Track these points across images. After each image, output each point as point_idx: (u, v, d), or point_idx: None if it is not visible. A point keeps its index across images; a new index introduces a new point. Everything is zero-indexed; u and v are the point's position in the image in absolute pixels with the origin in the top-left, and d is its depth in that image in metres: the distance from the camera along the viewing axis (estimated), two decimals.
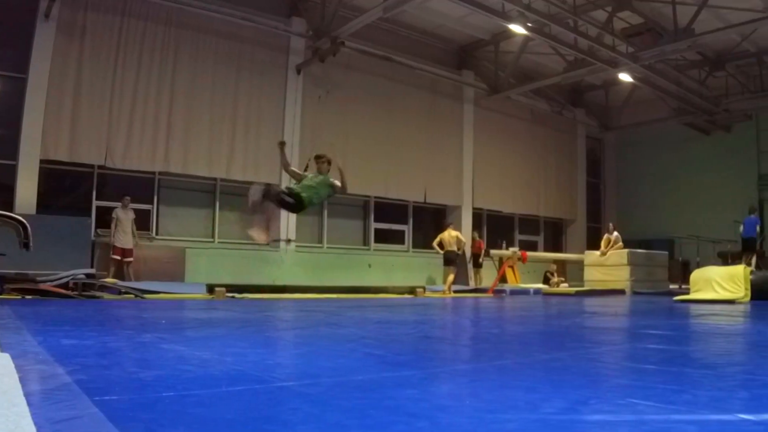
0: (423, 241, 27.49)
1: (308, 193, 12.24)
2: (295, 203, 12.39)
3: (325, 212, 23.99)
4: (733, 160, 32.18)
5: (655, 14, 23.29)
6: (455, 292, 22.25)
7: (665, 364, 5.19)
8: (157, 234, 20.40)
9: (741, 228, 23.49)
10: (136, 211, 18.98)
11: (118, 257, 18.25)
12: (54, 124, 18.30)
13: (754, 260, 22.44)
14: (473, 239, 26.72)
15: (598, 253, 25.16)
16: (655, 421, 2.99)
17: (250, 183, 21.89)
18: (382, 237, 26.12)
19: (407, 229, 27.65)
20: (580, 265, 26.71)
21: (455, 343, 7.19)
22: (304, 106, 23.41)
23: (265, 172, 21.67)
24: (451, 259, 22.70)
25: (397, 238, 27.29)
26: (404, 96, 26.35)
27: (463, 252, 24.15)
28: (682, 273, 26.68)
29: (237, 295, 16.70)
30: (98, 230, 19.02)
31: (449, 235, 22.70)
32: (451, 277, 22.43)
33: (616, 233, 24.67)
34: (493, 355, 6.01)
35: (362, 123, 24.80)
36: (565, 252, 32.33)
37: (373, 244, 26.39)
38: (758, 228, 23.13)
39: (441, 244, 23.58)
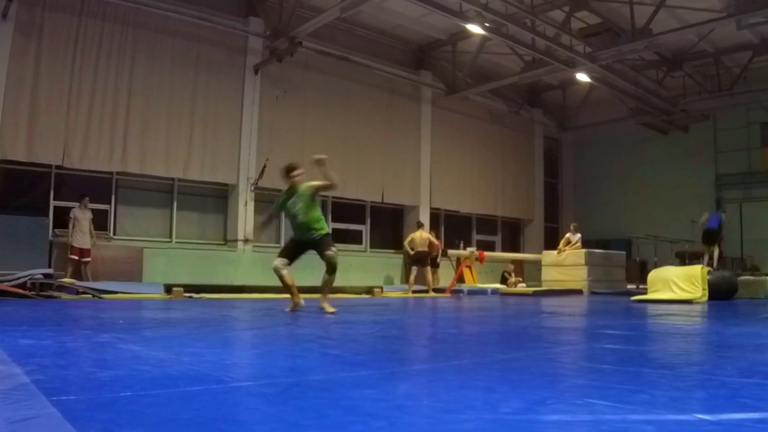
0: (380, 241, 28.82)
1: (296, 223, 11.97)
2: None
3: (283, 212, 23.85)
4: (690, 160, 33.14)
5: (612, 14, 23.93)
6: (414, 292, 23.04)
7: (623, 364, 5.31)
8: (114, 234, 21.13)
9: (704, 217, 23.61)
10: (93, 211, 19.63)
11: (76, 257, 18.68)
12: (11, 123, 18.96)
13: (716, 253, 22.58)
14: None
15: (555, 252, 25.15)
16: (613, 421, 3.05)
17: (208, 183, 21.95)
18: (340, 237, 26.33)
19: (365, 229, 28.72)
20: (537, 265, 27.55)
21: (413, 343, 7.42)
22: (261, 107, 24.19)
23: (222, 172, 22.62)
24: (421, 260, 22.72)
25: (354, 238, 28.28)
26: (362, 96, 27.26)
27: (439, 253, 24.10)
28: (639, 273, 27.29)
29: (195, 295, 17.09)
30: (56, 230, 19.65)
31: (421, 236, 23.51)
32: (431, 277, 22.42)
33: (579, 235, 24.61)
34: (451, 355, 6.13)
35: (320, 123, 25.66)
36: (523, 252, 33.17)
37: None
38: (719, 225, 23.26)
39: (411, 244, 24.11)
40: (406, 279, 26.04)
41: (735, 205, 32.04)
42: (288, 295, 11.48)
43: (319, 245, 11.56)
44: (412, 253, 24.19)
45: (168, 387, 3.92)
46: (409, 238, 24.17)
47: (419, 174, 29.42)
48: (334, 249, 11.54)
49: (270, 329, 8.59)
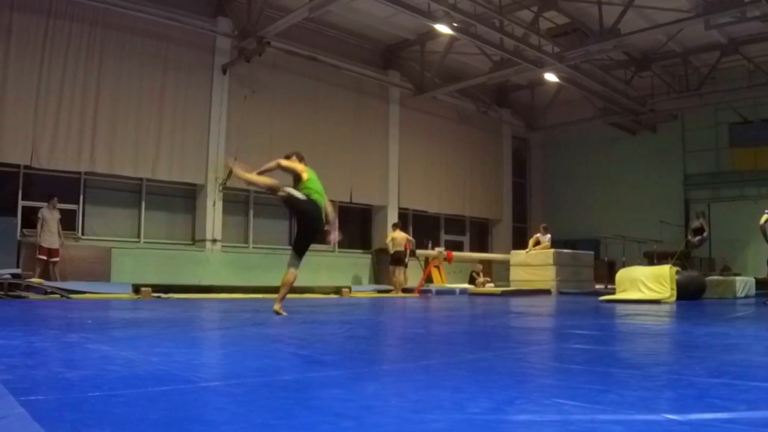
0: (349, 242, 29.44)
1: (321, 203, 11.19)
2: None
3: (251, 212, 24.76)
4: (658, 160, 33.80)
5: (580, 14, 24.49)
6: (378, 292, 22.37)
7: (591, 364, 5.40)
8: (83, 234, 21.78)
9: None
10: (62, 211, 20.20)
11: (44, 257, 19.11)
12: None
13: None
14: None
15: (523, 252, 25.21)
16: (581, 421, 3.10)
17: (176, 183, 21.89)
18: None
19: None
20: (505, 265, 28.17)
21: (381, 343, 7.62)
22: (229, 106, 24.83)
23: (190, 172, 22.72)
24: (400, 259, 22.81)
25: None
26: (330, 96, 28.03)
27: (407, 253, 24.18)
28: (607, 273, 27.50)
29: (163, 295, 17.47)
30: (24, 230, 19.99)
31: (400, 236, 23.01)
32: (402, 277, 22.62)
33: (549, 235, 24.91)
34: (419, 355, 6.29)
35: (288, 123, 26.35)
36: (491, 252, 33.45)
37: None
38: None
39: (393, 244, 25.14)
40: (375, 279, 26.18)
41: (703, 205, 32.30)
42: (276, 296, 11.27)
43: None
44: (392, 252, 23.98)
45: (136, 387, 3.99)
46: (389, 238, 24.29)
47: (387, 174, 30.27)
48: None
49: (238, 329, 8.83)
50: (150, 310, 12.35)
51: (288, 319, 10.29)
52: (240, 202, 25.64)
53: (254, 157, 23.49)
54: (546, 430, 3.01)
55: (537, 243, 26.45)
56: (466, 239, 35.10)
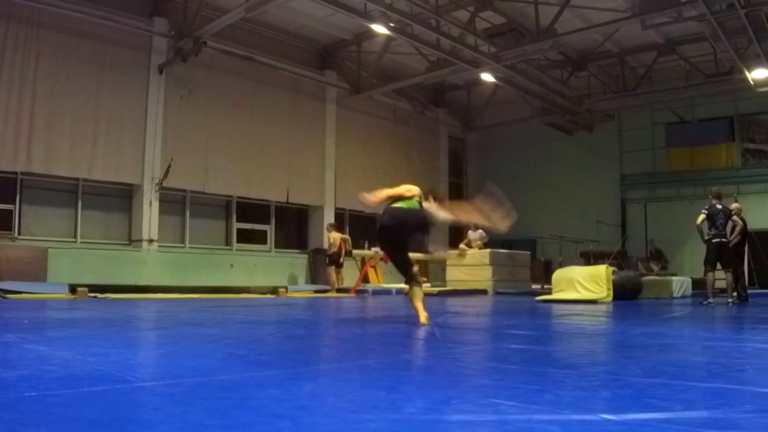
0: (285, 241, 31.02)
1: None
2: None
3: (188, 212, 25.15)
4: (595, 160, 34.84)
5: (517, 14, 25.53)
6: (315, 292, 22.60)
7: (528, 365, 5.57)
8: (19, 234, 22.74)
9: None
10: None
11: None
12: None
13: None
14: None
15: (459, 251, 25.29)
16: (518, 421, 3.22)
17: (113, 183, 21.82)
18: (245, 237, 29.10)
19: (269, 229, 30.72)
20: (442, 264, 27.93)
21: (318, 343, 7.86)
22: (166, 106, 25.85)
23: (127, 172, 23.82)
24: (337, 260, 23.05)
25: (259, 238, 30.14)
26: (267, 96, 29.27)
27: (349, 252, 24.39)
28: (544, 273, 28.47)
29: (99, 295, 17.75)
30: None
31: (335, 236, 23.67)
32: (334, 277, 22.86)
33: (479, 232, 24.94)
34: (356, 355, 6.49)
35: (225, 123, 27.58)
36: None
37: (235, 244, 29.00)
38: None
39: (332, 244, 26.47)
40: (311, 279, 26.35)
41: (640, 205, 33.03)
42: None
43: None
44: (330, 253, 24.31)
45: (73, 387, 4.05)
46: (331, 239, 24.39)
47: (324, 174, 31.79)
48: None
49: (175, 329, 9.08)
50: (86, 310, 12.65)
51: (225, 319, 10.35)
52: (177, 202, 26.11)
53: (190, 157, 23.71)
54: (482, 430, 3.10)
55: (469, 242, 26.51)
56: None
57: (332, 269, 26.00)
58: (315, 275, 29.88)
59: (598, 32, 26.84)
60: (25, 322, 9.65)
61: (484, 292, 25.64)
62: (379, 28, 24.35)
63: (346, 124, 32.25)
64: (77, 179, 24.01)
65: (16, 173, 22.56)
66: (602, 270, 19.03)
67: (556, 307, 16.16)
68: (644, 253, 32.79)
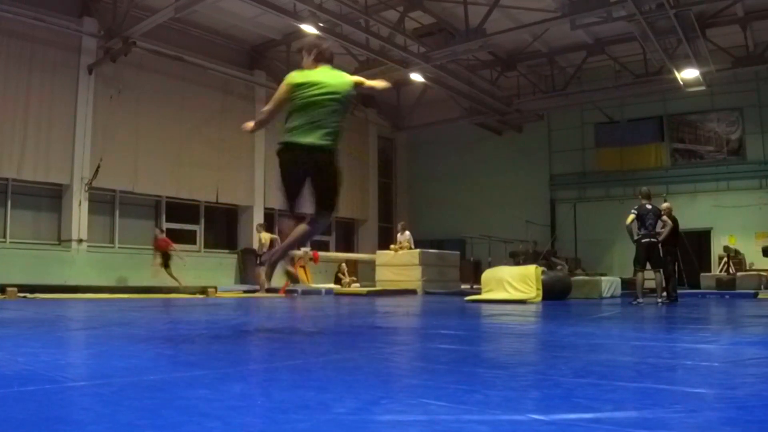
0: (214, 242, 31.98)
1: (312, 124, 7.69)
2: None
3: (117, 212, 25.22)
4: (524, 160, 35.95)
5: (446, 14, 26.25)
6: (244, 292, 22.81)
7: (457, 364, 5.64)
8: None
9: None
10: None
11: None
12: None
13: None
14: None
15: (390, 252, 25.40)
16: (447, 420, 3.24)
17: (42, 183, 21.57)
18: (173, 237, 28.80)
19: (199, 229, 31.70)
20: (371, 265, 29.44)
21: (247, 343, 7.76)
22: (95, 106, 26.58)
23: (56, 172, 23.97)
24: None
25: (188, 238, 30.93)
26: (197, 96, 30.15)
27: None
28: (473, 273, 28.62)
29: (29, 295, 17.93)
30: None
31: (265, 236, 24.36)
32: (263, 277, 23.26)
33: (407, 234, 25.10)
34: (285, 355, 6.46)
35: (154, 123, 28.40)
36: (357, 252, 34.12)
37: None
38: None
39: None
40: (241, 279, 26.25)
41: (569, 205, 33.60)
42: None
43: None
44: (260, 253, 24.54)
45: (2, 387, 4.05)
46: (262, 239, 24.48)
47: (253, 174, 32.79)
48: None
49: (104, 329, 9.15)
50: (16, 310, 12.69)
51: (154, 319, 10.29)
52: (106, 202, 26.45)
53: (120, 158, 23.58)
54: (411, 430, 3.12)
55: (399, 244, 26.70)
56: (332, 239, 37.36)
57: (262, 269, 25.67)
58: (244, 275, 30.78)
59: (528, 32, 27.76)
60: None
61: (413, 292, 25.98)
62: (308, 28, 24.56)
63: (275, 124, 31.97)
64: (6, 179, 24.54)
65: None
66: (531, 270, 19.37)
67: (485, 307, 16.28)
68: (573, 253, 33.23)
